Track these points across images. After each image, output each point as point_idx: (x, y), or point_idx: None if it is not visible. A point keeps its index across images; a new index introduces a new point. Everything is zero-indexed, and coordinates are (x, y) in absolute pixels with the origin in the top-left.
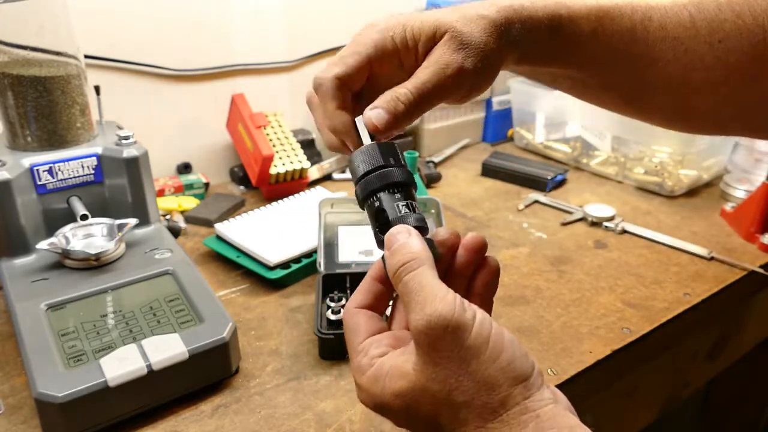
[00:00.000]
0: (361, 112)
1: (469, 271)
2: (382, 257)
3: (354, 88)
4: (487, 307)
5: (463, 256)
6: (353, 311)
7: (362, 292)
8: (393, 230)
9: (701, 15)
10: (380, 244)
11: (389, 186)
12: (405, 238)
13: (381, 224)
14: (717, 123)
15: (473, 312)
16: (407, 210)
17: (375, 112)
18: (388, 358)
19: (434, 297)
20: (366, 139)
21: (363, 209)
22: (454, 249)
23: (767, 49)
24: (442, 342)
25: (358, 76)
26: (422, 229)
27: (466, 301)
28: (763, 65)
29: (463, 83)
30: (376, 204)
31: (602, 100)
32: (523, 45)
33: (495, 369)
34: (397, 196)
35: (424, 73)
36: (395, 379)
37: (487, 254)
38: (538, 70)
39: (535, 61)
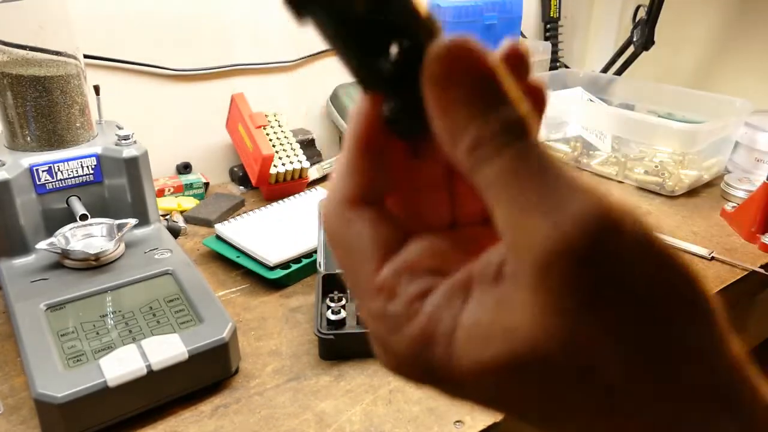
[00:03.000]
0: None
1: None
2: (391, 108)
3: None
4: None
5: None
6: (348, 213)
7: (352, 172)
8: (458, 42)
9: None
10: (391, 72)
11: None
12: (483, 57)
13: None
14: None
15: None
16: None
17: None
18: (447, 302)
19: (572, 180)
20: None
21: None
22: None
23: None
24: (592, 252)
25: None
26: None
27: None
28: None
29: None
30: None
31: None
32: None
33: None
34: None
35: None
36: (484, 341)
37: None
38: None
39: None
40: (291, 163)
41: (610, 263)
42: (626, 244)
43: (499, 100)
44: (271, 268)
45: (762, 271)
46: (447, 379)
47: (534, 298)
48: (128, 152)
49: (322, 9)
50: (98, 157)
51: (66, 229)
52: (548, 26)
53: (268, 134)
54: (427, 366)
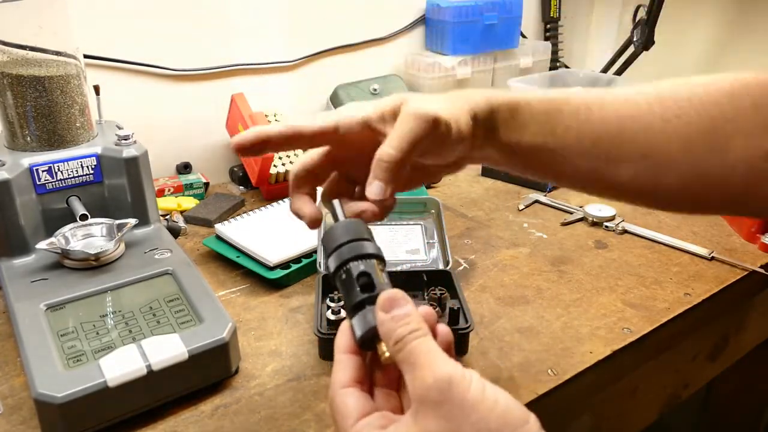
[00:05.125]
0: (348, 193)
1: None
2: (366, 334)
3: (319, 176)
4: None
5: None
6: (342, 392)
7: (344, 369)
8: (392, 294)
9: (658, 100)
10: (355, 308)
11: (373, 255)
12: (407, 304)
13: (363, 288)
14: (690, 200)
15: (470, 371)
16: (387, 278)
17: (373, 187)
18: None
19: (439, 358)
20: (342, 217)
21: (338, 272)
22: None
23: (725, 122)
24: (448, 394)
25: (321, 166)
26: None
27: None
28: (720, 138)
29: (437, 126)
30: (361, 268)
31: (574, 184)
32: (487, 123)
33: (495, 416)
34: (381, 266)
35: (396, 129)
36: None
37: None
38: (512, 158)
39: (501, 142)
40: (291, 162)
41: (447, 398)
42: (454, 391)
43: (404, 323)
44: (271, 268)
45: (762, 271)
46: None
47: (413, 417)
48: (128, 152)
49: (337, 282)
50: (98, 157)
51: (66, 229)
52: (548, 26)
53: None
54: None
